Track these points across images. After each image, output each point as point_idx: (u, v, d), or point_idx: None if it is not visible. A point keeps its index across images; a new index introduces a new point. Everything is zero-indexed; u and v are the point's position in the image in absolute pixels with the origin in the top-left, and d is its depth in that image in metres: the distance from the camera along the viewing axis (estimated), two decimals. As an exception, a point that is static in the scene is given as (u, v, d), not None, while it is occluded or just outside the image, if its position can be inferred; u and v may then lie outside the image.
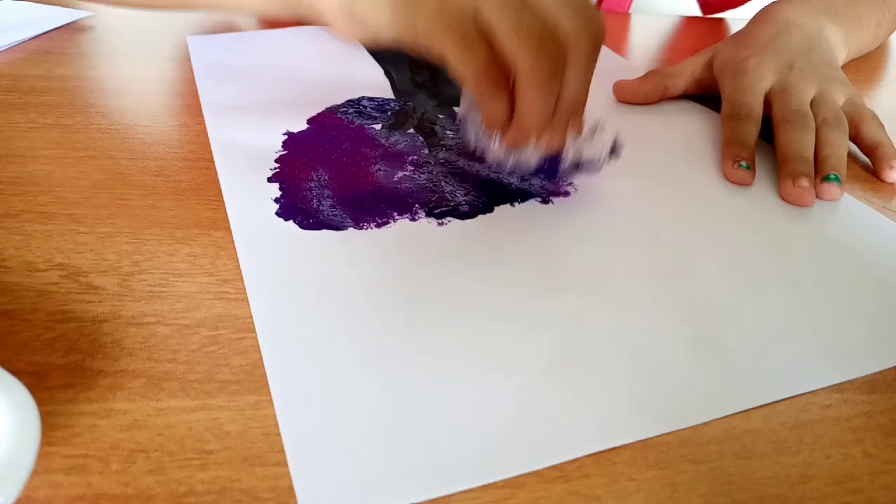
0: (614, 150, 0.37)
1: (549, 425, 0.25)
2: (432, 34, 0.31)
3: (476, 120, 0.36)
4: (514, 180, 0.37)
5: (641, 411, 0.25)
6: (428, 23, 0.31)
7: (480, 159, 0.37)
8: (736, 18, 0.73)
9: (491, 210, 0.36)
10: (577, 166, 0.37)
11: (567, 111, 0.33)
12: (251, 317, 0.29)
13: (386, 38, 0.33)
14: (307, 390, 0.25)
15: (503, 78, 0.32)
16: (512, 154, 0.36)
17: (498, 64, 0.31)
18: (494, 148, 0.36)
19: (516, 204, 0.37)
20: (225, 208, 0.36)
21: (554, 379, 0.27)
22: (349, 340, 0.28)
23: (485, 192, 0.38)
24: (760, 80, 0.45)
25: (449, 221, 0.35)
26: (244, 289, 0.30)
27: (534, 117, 0.32)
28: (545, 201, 0.37)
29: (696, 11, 0.80)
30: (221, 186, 0.37)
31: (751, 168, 0.40)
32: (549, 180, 0.37)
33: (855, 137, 0.44)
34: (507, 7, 0.30)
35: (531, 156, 0.35)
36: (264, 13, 0.42)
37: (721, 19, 0.74)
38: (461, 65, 0.31)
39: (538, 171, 0.36)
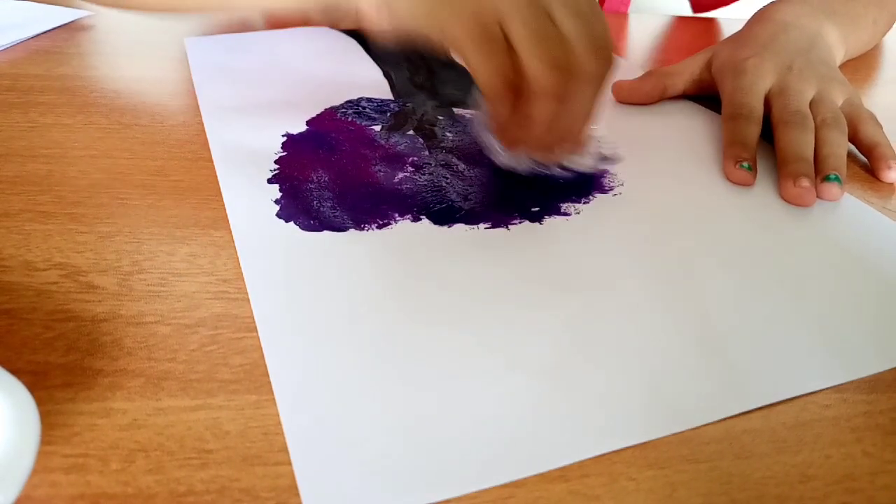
0: (603, 158, 0.41)
1: (555, 427, 0.25)
2: (457, 36, 0.33)
3: (484, 119, 0.39)
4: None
5: (646, 413, 0.25)
6: (455, 24, 0.33)
7: (485, 156, 0.40)
8: (730, 18, 0.73)
9: (492, 216, 0.36)
10: (567, 173, 0.40)
11: (569, 129, 0.36)
12: (251, 316, 0.29)
13: (415, 31, 0.36)
14: (310, 392, 0.25)
15: (513, 85, 0.34)
16: (511, 157, 0.39)
17: (513, 71, 0.33)
18: (496, 147, 0.39)
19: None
20: (224, 208, 0.36)
21: (558, 380, 0.26)
22: (352, 342, 0.28)
23: (485, 195, 0.38)
24: (760, 80, 0.45)
25: (451, 225, 0.35)
26: (244, 288, 0.30)
27: (538, 128, 0.35)
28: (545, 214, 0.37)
29: (690, 12, 0.80)
30: (221, 188, 0.37)
31: (752, 168, 0.40)
32: (543, 183, 0.39)
33: (853, 138, 0.44)
34: (530, 23, 0.33)
35: (525, 162, 0.39)
36: (285, 9, 0.45)
37: (715, 19, 0.74)
38: (478, 66, 0.33)
39: (535, 175, 0.39)
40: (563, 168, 0.39)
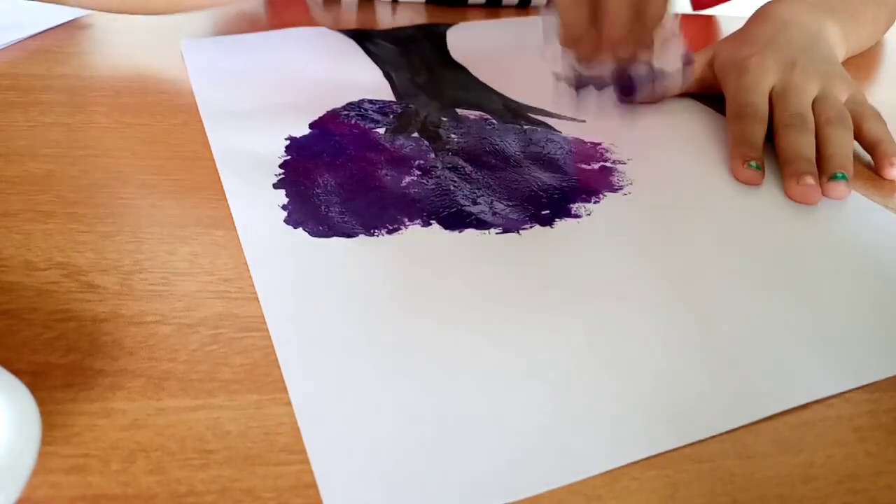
0: (687, 62, 0.39)
1: (571, 440, 0.24)
2: None
3: (554, 40, 0.38)
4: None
5: (658, 424, 0.25)
6: None
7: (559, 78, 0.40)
8: (729, 16, 0.73)
9: (502, 220, 0.36)
10: (653, 79, 0.39)
11: (648, 24, 0.36)
12: (252, 316, 0.29)
13: None
14: (328, 401, 0.25)
15: None
16: (588, 69, 0.38)
17: None
18: (570, 65, 0.38)
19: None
20: (226, 207, 0.36)
21: (574, 391, 0.26)
22: (367, 349, 0.27)
23: (495, 198, 0.38)
24: (763, 78, 0.45)
25: (461, 230, 0.35)
26: (245, 288, 0.30)
27: (616, 27, 0.35)
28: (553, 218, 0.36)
29: (689, 9, 0.80)
30: (226, 194, 0.37)
31: (760, 168, 0.40)
32: (625, 95, 0.39)
33: (857, 134, 0.43)
34: None
35: (606, 71, 0.38)
36: None
37: (713, 16, 0.74)
38: None
39: (614, 86, 0.39)
40: (648, 70, 0.39)
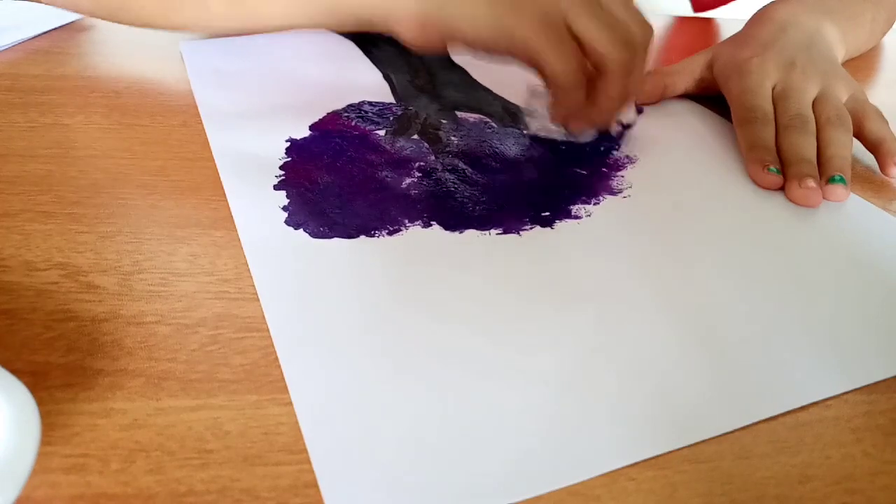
0: (640, 111, 0.45)
1: (570, 441, 0.24)
2: (530, 39, 0.37)
3: (539, 111, 0.43)
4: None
5: (658, 426, 0.25)
6: (526, 29, 0.37)
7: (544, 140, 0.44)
8: (729, 19, 0.73)
9: (503, 222, 0.36)
10: (622, 130, 0.44)
11: (631, 97, 0.41)
12: (251, 316, 0.29)
13: (474, 43, 0.39)
14: (329, 401, 0.25)
15: (585, 74, 0.38)
16: (573, 135, 0.43)
17: (584, 60, 0.38)
18: (556, 132, 0.43)
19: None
20: (225, 207, 0.36)
21: (573, 392, 0.26)
22: (370, 351, 0.27)
23: (495, 200, 0.38)
24: (765, 79, 0.45)
25: (462, 230, 0.35)
26: (244, 288, 0.30)
27: (614, 104, 0.40)
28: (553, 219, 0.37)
29: (690, 12, 0.80)
30: (227, 195, 0.37)
31: (780, 172, 0.40)
32: (611, 148, 0.44)
33: (858, 134, 0.43)
34: (593, 16, 0.37)
35: (589, 134, 0.43)
36: (311, 27, 0.44)
37: (712, 19, 0.74)
38: (558, 63, 0.37)
39: (596, 141, 0.43)
40: (620, 127, 0.44)
